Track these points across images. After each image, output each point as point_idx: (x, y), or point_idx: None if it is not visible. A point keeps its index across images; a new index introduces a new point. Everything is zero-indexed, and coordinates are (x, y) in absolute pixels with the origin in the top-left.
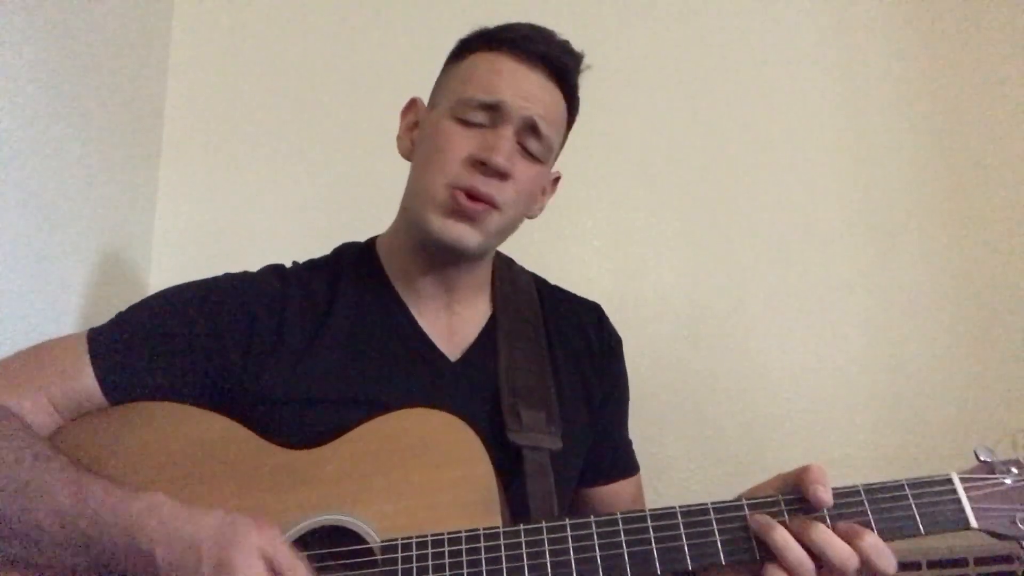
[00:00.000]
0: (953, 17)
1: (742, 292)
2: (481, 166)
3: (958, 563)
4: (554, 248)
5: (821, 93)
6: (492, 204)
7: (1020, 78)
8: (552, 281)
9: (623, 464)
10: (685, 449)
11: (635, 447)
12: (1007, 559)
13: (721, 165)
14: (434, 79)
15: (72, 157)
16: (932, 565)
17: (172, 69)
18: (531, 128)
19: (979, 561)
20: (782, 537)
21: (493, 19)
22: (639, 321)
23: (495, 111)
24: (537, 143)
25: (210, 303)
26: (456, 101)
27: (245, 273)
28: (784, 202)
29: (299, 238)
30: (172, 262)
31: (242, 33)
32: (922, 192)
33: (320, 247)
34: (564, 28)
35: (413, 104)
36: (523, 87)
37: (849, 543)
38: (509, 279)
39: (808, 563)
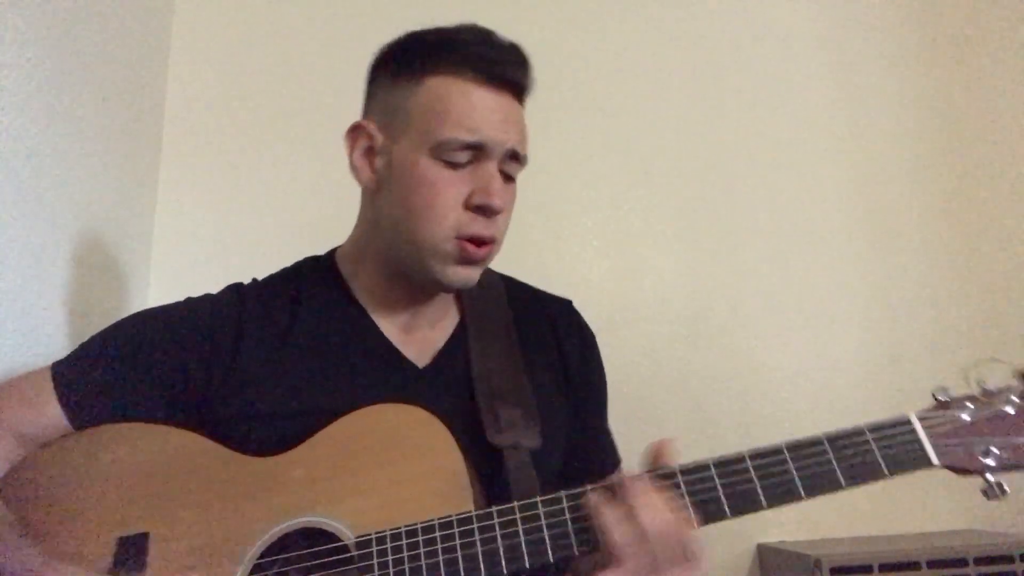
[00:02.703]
0: (953, 18)
1: (741, 292)
2: (479, 209)
3: (958, 563)
4: (554, 248)
5: (821, 93)
6: (495, 242)
7: (1020, 79)
8: (552, 282)
9: (602, 461)
10: (685, 449)
11: (635, 447)
12: (1007, 559)
13: (720, 165)
14: None
15: (72, 157)
16: (932, 565)
17: (172, 69)
18: (512, 156)
19: (979, 561)
20: (594, 502)
21: (493, 22)
22: (639, 321)
23: (478, 149)
24: (517, 166)
25: (170, 327)
26: (435, 142)
27: (205, 296)
28: (784, 202)
29: (299, 238)
30: (172, 262)
31: (242, 33)
32: (922, 192)
33: (320, 247)
34: (564, 29)
35: (361, 128)
36: (498, 118)
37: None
38: (477, 282)
39: (619, 527)
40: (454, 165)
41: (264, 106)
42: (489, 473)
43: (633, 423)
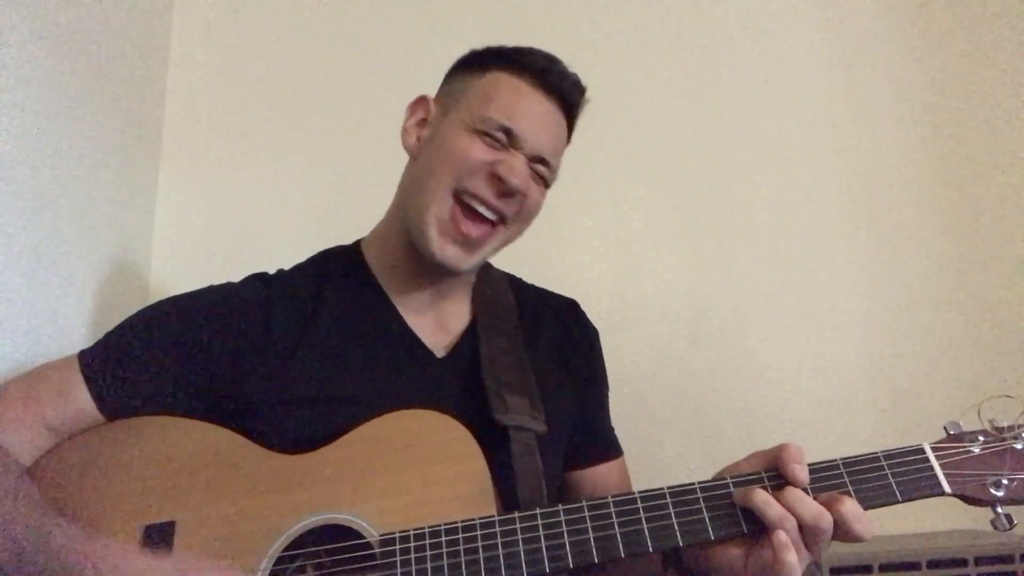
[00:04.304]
0: (953, 17)
1: (742, 292)
2: (499, 182)
3: (958, 563)
4: (555, 248)
5: (821, 93)
6: (502, 218)
7: (1020, 78)
8: (552, 281)
9: (606, 446)
10: (685, 449)
11: (635, 447)
12: (1007, 559)
13: (720, 165)
14: (435, 80)
15: (72, 157)
16: (932, 565)
17: (172, 69)
18: (541, 159)
19: (979, 561)
20: (762, 497)
21: (493, 21)
22: (639, 321)
23: (512, 135)
24: (546, 169)
25: (196, 315)
26: (476, 117)
27: (228, 284)
28: (784, 202)
29: (299, 238)
30: (172, 262)
31: (242, 33)
32: (922, 192)
33: (320, 246)
34: (563, 29)
35: (423, 101)
36: (539, 116)
37: (826, 507)
38: (488, 282)
39: (790, 517)
40: (488, 138)
41: (264, 106)
42: (494, 452)
43: (633, 423)
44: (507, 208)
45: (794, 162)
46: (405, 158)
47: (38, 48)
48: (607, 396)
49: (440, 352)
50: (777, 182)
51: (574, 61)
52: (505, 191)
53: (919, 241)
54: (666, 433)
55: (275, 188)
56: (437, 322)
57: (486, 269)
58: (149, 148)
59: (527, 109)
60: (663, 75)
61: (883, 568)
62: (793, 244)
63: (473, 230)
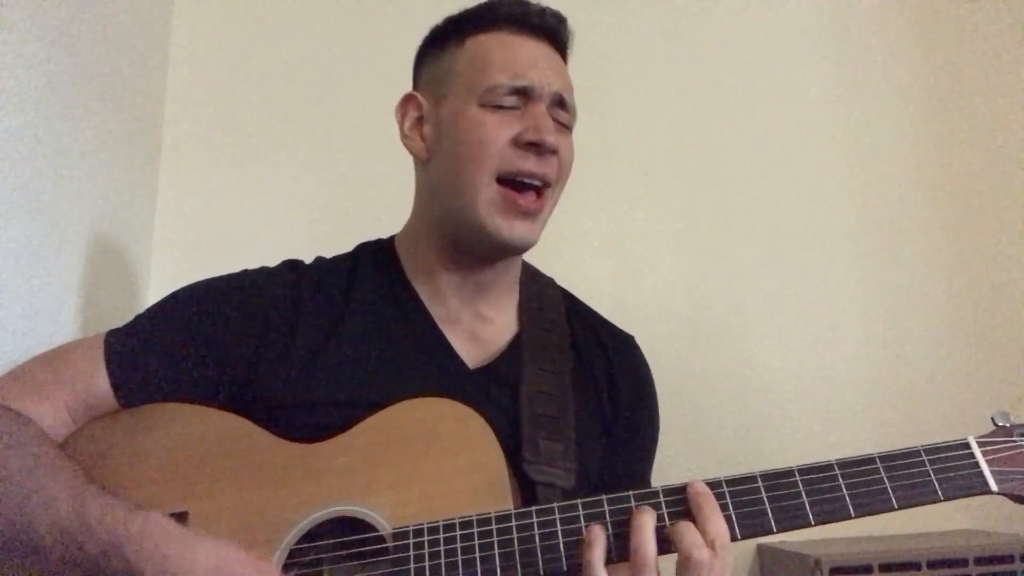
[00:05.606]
0: (953, 17)
1: (742, 292)
2: (532, 147)
3: (958, 563)
4: (554, 248)
5: (821, 93)
6: (547, 183)
7: (1020, 78)
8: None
9: None
10: (685, 449)
11: None
12: (1007, 559)
13: (721, 165)
14: None
15: (72, 157)
16: (932, 565)
17: (172, 69)
18: (559, 103)
19: (979, 561)
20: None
21: None
22: (639, 321)
23: (525, 93)
24: (566, 114)
25: (223, 304)
26: (480, 90)
27: (262, 270)
28: (784, 202)
29: (299, 238)
30: (172, 262)
31: (242, 33)
32: (922, 192)
33: (320, 247)
34: None
35: (412, 99)
36: (541, 64)
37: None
38: (536, 293)
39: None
40: (502, 108)
41: (264, 106)
42: (519, 504)
43: None
44: (548, 168)
45: (794, 163)
46: (406, 156)
47: (38, 47)
48: (652, 451)
49: (474, 363)
50: (777, 183)
51: (574, 61)
52: (541, 152)
53: (919, 241)
54: (666, 433)
55: (275, 188)
56: (476, 330)
57: (534, 279)
58: (149, 148)
59: (526, 57)
60: (663, 75)
61: (883, 568)
62: (793, 244)
63: (530, 203)
